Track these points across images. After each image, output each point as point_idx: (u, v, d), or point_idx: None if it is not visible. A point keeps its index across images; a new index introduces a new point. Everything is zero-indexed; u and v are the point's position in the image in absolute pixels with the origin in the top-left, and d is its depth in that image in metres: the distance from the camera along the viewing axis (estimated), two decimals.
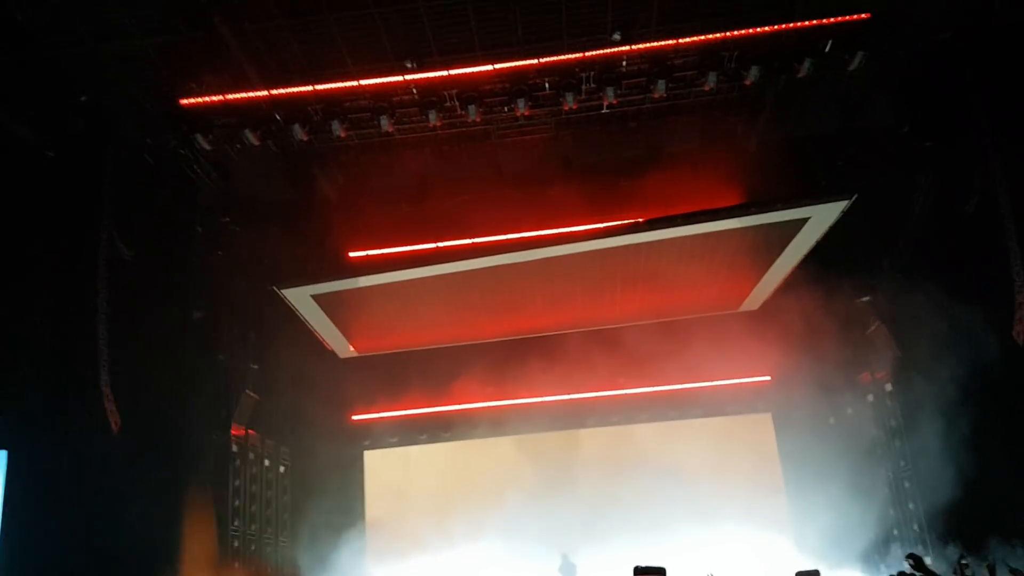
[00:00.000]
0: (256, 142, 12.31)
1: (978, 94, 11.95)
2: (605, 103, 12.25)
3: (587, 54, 11.55)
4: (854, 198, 12.60)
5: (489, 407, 16.96)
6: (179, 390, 12.63)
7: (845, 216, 12.88)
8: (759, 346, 15.16)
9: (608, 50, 11.53)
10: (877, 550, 14.68)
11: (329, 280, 14.03)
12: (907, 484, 14.74)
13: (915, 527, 14.48)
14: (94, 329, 11.71)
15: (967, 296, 11.56)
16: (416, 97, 12.00)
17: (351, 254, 14.42)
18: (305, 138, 12.34)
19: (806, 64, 11.44)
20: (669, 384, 16.82)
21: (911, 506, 14.62)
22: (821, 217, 13.05)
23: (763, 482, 16.43)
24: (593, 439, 17.02)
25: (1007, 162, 11.89)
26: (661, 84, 11.80)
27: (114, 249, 12.17)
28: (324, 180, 14.16)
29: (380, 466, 17.76)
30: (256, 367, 15.63)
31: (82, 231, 11.97)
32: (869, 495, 14.66)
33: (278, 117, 12.09)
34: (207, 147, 12.47)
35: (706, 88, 12.04)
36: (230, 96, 11.83)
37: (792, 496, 16.36)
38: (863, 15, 11.20)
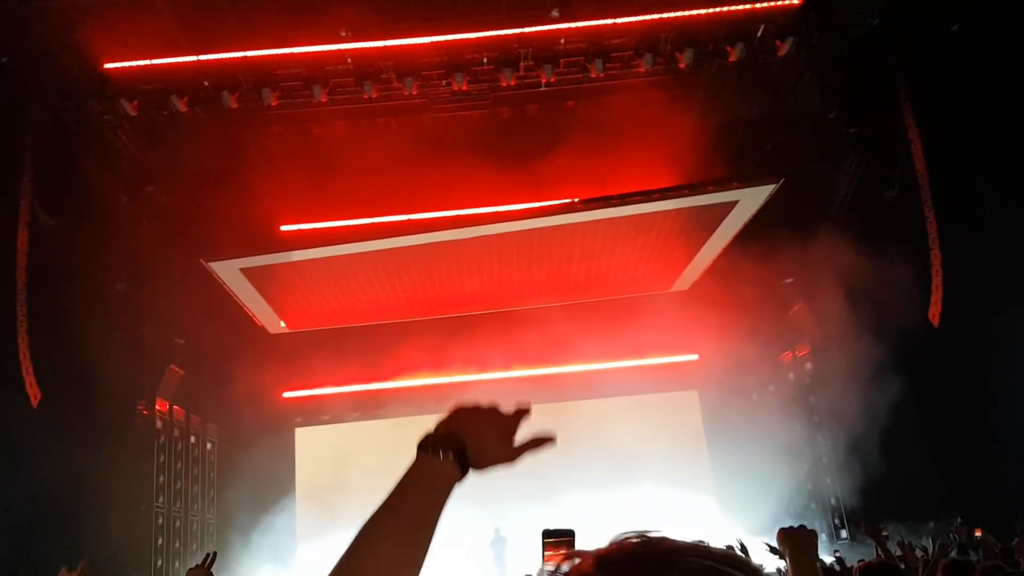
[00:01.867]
0: (183, 109, 11.98)
1: (903, 81, 12.37)
2: (543, 80, 12.28)
3: (525, 30, 11.55)
4: (781, 182, 12.93)
5: (422, 385, 16.93)
6: (101, 364, 12.27)
7: (772, 199, 13.22)
8: (688, 326, 15.47)
9: (546, 27, 11.54)
10: (796, 519, 15.21)
11: (259, 254, 13.75)
12: (824, 459, 15.30)
13: (832, 500, 15.06)
14: (12, 300, 11.28)
15: (887, 280, 11.99)
16: (351, 67, 11.83)
17: (282, 227, 14.15)
18: (235, 106, 12.06)
19: (739, 48, 11.67)
20: (601, 362, 17.04)
21: (828, 480, 15.19)
22: (750, 200, 13.36)
23: (689, 457, 16.86)
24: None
25: (928, 150, 12.35)
26: (598, 63, 11.90)
27: (35, 217, 11.71)
28: (254, 150, 13.87)
29: (312, 444, 17.59)
30: (182, 341, 15.27)
31: (1, 198, 11.49)
32: (788, 469, 15.19)
33: (207, 84, 11.78)
34: (132, 113, 12.08)
35: (642, 70, 12.18)
36: (157, 61, 11.48)
37: (716, 469, 16.85)
38: (795, 2, 11.46)
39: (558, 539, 2.68)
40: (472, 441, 1.27)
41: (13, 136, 11.60)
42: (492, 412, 1.32)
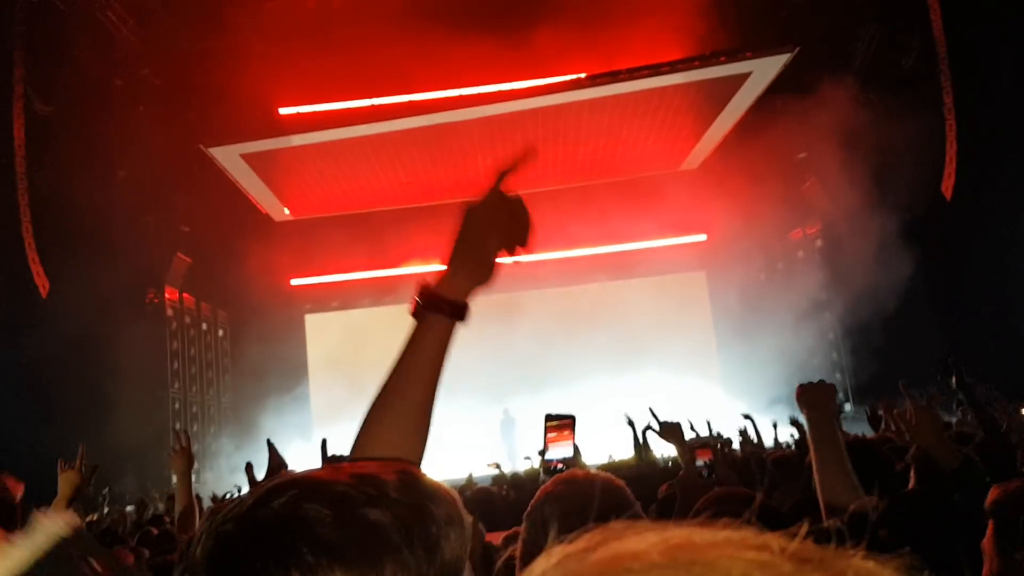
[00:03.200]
0: None
1: None
2: None
3: None
4: (796, 51, 12.46)
5: (432, 271, 16.91)
6: (108, 252, 12.24)
7: (786, 70, 12.78)
8: (697, 205, 15.29)
9: None
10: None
11: (259, 139, 13.48)
12: (831, 335, 15.40)
13: (837, 375, 15.24)
14: (14, 189, 11.15)
15: (900, 152, 11.72)
16: None
17: (282, 110, 13.82)
18: None
19: None
20: (608, 245, 16.96)
21: (835, 356, 15.34)
22: (763, 71, 12.91)
23: (696, 337, 16.99)
24: (532, 300, 17.23)
25: (947, 16, 11.84)
26: None
27: (30, 105, 11.44)
28: (251, 29, 13.35)
29: (322, 329, 17.77)
30: (187, 229, 15.20)
31: None
32: (796, 346, 15.30)
33: None
34: None
35: None
36: None
37: (722, 350, 17.00)
38: None
39: (559, 422, 2.68)
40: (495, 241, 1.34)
41: (2, 21, 11.19)
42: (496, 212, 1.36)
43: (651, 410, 4.10)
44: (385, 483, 0.76)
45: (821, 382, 2.44)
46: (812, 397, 2.39)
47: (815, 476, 2.31)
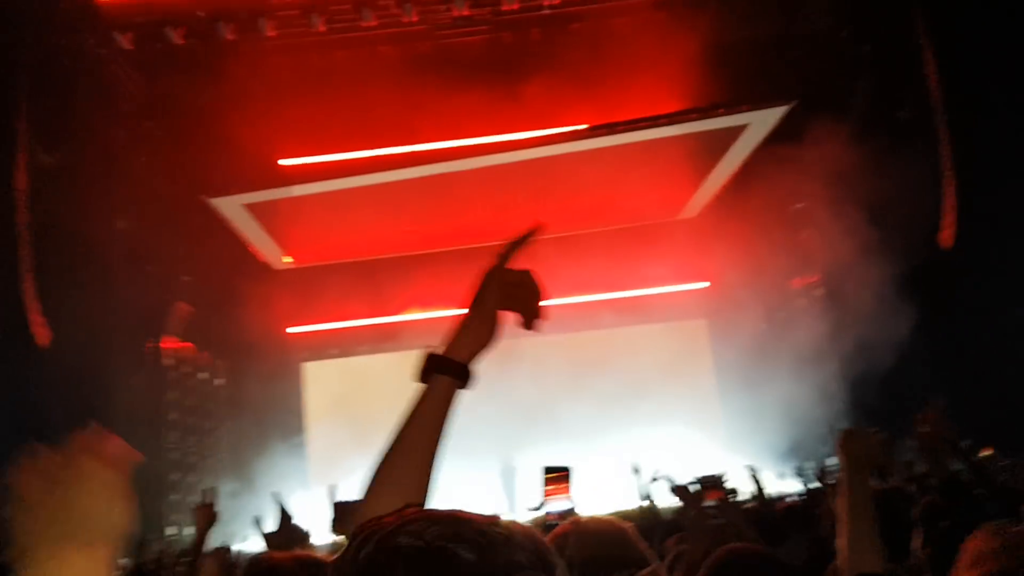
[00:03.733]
0: (179, 41, 11.69)
1: None
2: (546, 3, 11.92)
3: None
4: (793, 104, 12.63)
5: (430, 318, 16.92)
6: (108, 303, 12.24)
7: (783, 122, 12.93)
8: (697, 253, 15.32)
9: None
10: (803, 446, 15.33)
11: (261, 189, 13.60)
12: (834, 385, 15.30)
13: (841, 425, 15.11)
14: (16, 240, 11.20)
15: (898, 202, 11.78)
16: None
17: (284, 161, 13.95)
18: (231, 37, 11.76)
19: None
20: (609, 293, 16.96)
21: (838, 407, 15.23)
22: (761, 123, 13.09)
23: (697, 386, 16.88)
24: (530, 346, 17.14)
25: (943, 68, 12.01)
26: None
27: (33, 156, 11.55)
28: (253, 83, 13.55)
29: (321, 377, 17.68)
30: (188, 279, 15.23)
31: None
32: (797, 396, 15.20)
33: (202, 15, 11.46)
34: (127, 47, 11.80)
35: None
36: None
37: (724, 399, 16.88)
38: None
39: (557, 474, 2.66)
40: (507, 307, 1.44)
41: (7, 74, 11.35)
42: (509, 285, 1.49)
43: (672, 483, 4.02)
44: (506, 525, 0.87)
45: (865, 428, 2.22)
46: (854, 446, 2.16)
47: (841, 536, 2.09)
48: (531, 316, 1.47)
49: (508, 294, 1.47)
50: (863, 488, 2.11)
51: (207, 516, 3.81)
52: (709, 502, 4.13)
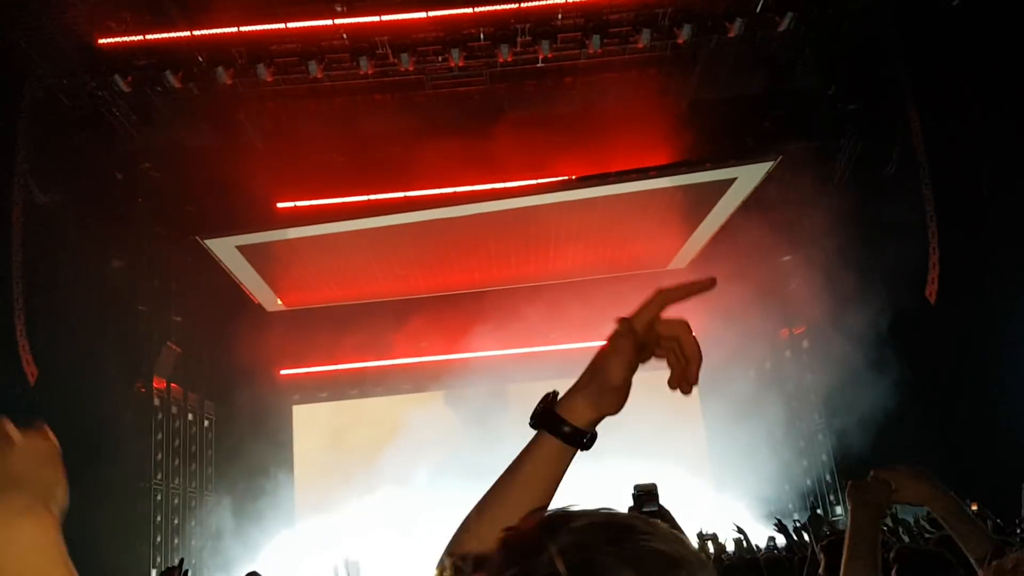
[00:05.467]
0: (178, 85, 11.89)
1: (903, 57, 12.29)
2: (540, 56, 12.19)
3: (523, 5, 11.46)
4: (779, 159, 12.89)
5: (420, 362, 16.94)
6: (98, 341, 12.26)
7: (770, 176, 13.18)
8: (685, 303, 15.40)
9: (544, 2, 11.45)
10: (790, 497, 15.31)
11: (255, 231, 13.71)
12: (820, 437, 15.36)
13: (827, 477, 15.13)
14: (8, 277, 11.25)
15: (884, 257, 11.98)
16: (347, 43, 11.73)
17: (279, 204, 14.09)
18: (229, 82, 11.96)
19: (737, 24, 11.57)
20: (598, 341, 16.97)
21: (824, 458, 15.25)
22: (748, 177, 13.32)
23: (685, 433, 16.88)
24: (521, 393, 17.17)
25: (927, 127, 12.30)
26: (596, 39, 11.79)
27: (28, 193, 11.66)
28: (250, 127, 13.78)
29: (309, 420, 17.61)
30: (179, 319, 15.25)
31: None
32: (785, 446, 15.25)
33: (201, 60, 11.68)
34: (126, 89, 11.98)
35: (640, 46, 12.09)
36: (150, 36, 11.37)
37: (712, 446, 16.89)
38: None
39: (645, 492, 2.59)
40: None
41: (6, 112, 11.51)
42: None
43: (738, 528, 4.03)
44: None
45: (876, 479, 2.20)
46: (863, 496, 2.15)
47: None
48: (684, 376, 1.24)
49: (655, 346, 1.24)
50: (868, 538, 2.10)
51: None
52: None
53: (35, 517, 0.90)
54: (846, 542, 2.15)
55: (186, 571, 4.06)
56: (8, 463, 1.00)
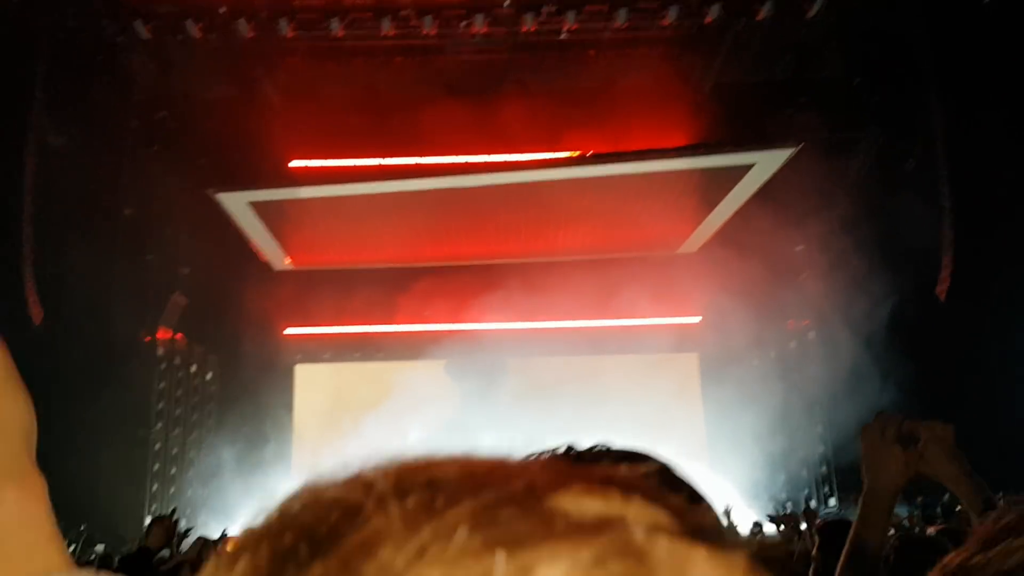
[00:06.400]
0: (198, 35, 11.80)
1: (930, 52, 12.11)
2: (564, 28, 12.04)
3: None
4: (799, 147, 12.75)
5: (423, 330, 16.94)
6: (105, 288, 12.28)
7: (789, 165, 13.04)
8: (693, 288, 15.38)
9: None
10: (786, 486, 15.35)
11: (268, 188, 13.67)
12: (820, 428, 15.36)
13: (823, 469, 15.16)
14: (18, 217, 11.26)
15: (897, 253, 11.88)
16: (371, 1, 11.60)
17: (292, 163, 14.03)
18: (250, 35, 11.86)
19: (767, 6, 11.41)
20: (601, 320, 16.98)
21: (821, 448, 15.27)
22: (766, 164, 13.19)
23: (685, 418, 16.89)
24: (520, 368, 17.19)
25: (950, 123, 12.14)
26: (623, 13, 11.64)
27: (43, 135, 11.63)
28: (268, 83, 13.68)
29: (311, 380, 17.68)
30: (187, 271, 15.27)
31: (10, 114, 11.37)
32: (784, 436, 15.25)
33: (223, 10, 11.57)
34: (146, 36, 11.89)
35: (666, 23, 11.93)
36: None
37: (711, 434, 16.90)
38: None
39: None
40: None
41: (26, 52, 11.45)
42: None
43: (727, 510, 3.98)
44: None
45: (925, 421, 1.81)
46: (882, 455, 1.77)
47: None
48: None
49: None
50: (881, 511, 1.81)
51: (162, 535, 3.84)
52: None
53: (19, 480, 0.70)
54: (859, 509, 1.86)
55: (177, 520, 4.07)
56: None
